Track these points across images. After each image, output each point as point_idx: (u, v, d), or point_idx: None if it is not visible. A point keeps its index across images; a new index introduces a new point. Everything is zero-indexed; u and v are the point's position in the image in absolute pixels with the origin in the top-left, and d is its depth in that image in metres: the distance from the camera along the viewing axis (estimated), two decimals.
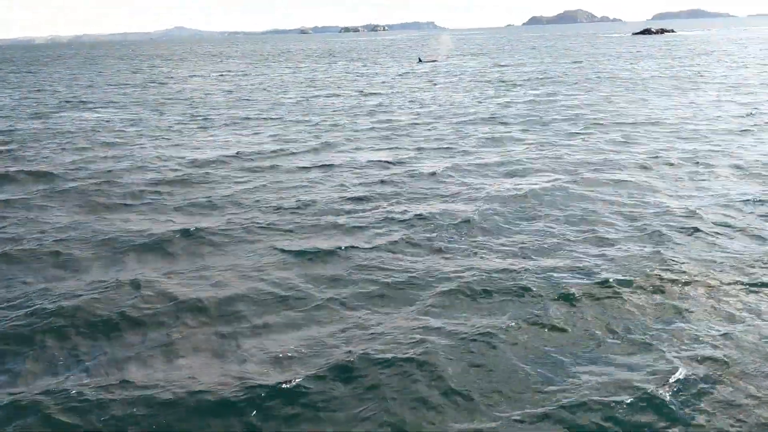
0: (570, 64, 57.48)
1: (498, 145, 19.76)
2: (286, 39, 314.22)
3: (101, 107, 33.49)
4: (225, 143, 21.40)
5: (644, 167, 16.06)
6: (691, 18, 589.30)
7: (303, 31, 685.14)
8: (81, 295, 8.86)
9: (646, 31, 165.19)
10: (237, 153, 19.21)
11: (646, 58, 61.97)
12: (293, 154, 19.28)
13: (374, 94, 37.21)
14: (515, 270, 9.45)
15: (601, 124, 22.93)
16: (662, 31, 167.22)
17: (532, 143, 19.86)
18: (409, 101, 32.67)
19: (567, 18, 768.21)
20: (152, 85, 48.77)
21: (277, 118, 27.54)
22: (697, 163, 16.36)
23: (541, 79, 43.01)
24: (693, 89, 33.01)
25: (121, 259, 10.32)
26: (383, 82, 45.41)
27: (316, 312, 8.34)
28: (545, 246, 10.50)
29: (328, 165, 17.36)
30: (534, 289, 8.72)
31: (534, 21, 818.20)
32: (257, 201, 13.73)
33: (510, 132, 21.92)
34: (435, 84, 42.45)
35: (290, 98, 35.82)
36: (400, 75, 52.26)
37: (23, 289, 9.22)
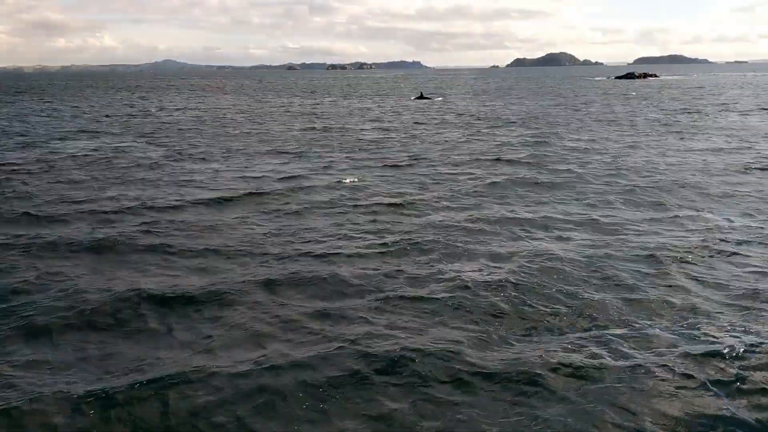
0: (560, 104, 57.43)
1: (504, 190, 18.57)
2: (274, 74, 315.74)
3: (94, 137, 32.49)
4: (225, 179, 20.44)
5: (675, 222, 14.82)
6: (672, 63, 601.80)
7: (291, 68, 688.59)
8: (69, 377, 7.62)
9: (629, 75, 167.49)
10: (239, 190, 18.24)
11: (638, 100, 62.22)
12: (299, 191, 18.36)
13: (373, 129, 36.56)
14: (564, 354, 8.01)
15: (621, 170, 21.55)
16: (645, 75, 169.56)
17: (541, 189, 18.73)
18: (408, 137, 32.03)
19: (550, 61, 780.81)
20: (144, 115, 47.86)
21: (271, 151, 26.74)
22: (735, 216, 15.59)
23: (536, 118, 42.66)
24: (701, 133, 32.64)
25: (121, 326, 8.99)
26: (378, 118, 44.85)
27: (335, 386, 7.26)
28: (591, 318, 9.12)
29: (338, 206, 16.42)
30: (591, 372, 7.46)
31: (518, 63, 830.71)
32: (266, 250, 12.51)
33: (516, 174, 20.97)
34: (432, 120, 41.92)
35: (285, 132, 35.01)
36: (396, 111, 51.79)
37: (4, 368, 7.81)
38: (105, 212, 15.47)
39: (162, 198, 17.25)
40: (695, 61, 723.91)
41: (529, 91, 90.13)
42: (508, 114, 47.88)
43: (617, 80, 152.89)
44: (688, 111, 47.89)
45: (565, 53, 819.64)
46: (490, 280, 10.49)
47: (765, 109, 48.92)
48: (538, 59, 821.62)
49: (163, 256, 12.08)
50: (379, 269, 11.21)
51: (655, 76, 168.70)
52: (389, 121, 42.13)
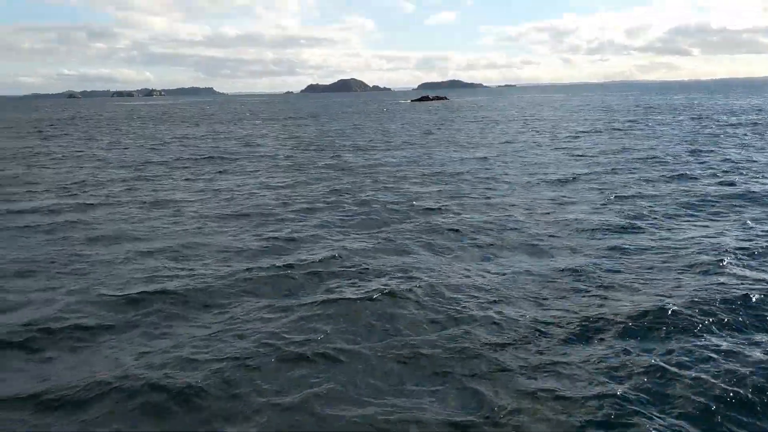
0: (388, 128, 59.35)
1: None
2: (57, 104, 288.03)
3: None
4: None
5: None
6: (452, 88, 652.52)
7: (71, 96, 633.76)
8: None
9: (425, 98, 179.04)
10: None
11: (459, 120, 66.24)
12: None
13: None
14: None
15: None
16: (437, 98, 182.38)
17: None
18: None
19: (342, 86, 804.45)
20: None
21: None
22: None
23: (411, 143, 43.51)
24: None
25: None
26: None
27: None
28: None
29: None
30: None
31: (311, 89, 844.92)
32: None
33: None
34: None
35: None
36: (248, 134, 49.74)
37: None
38: None
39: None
40: (472, 85, 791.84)
41: (360, 114, 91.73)
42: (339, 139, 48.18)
43: (416, 102, 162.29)
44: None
45: (355, 79, 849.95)
46: None
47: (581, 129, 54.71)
48: (330, 85, 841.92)
49: None
50: None
51: (446, 98, 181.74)
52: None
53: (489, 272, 12.91)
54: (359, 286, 12.13)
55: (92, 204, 20.95)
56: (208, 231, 16.90)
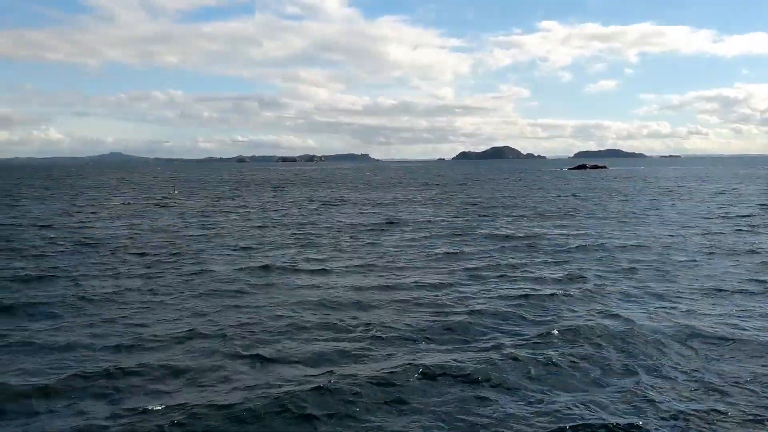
0: (552, 197, 57.22)
1: None
2: (230, 167, 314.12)
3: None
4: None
5: None
6: (610, 157, 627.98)
7: (241, 160, 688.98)
8: None
9: (582, 167, 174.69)
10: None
11: (620, 192, 62.71)
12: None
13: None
14: None
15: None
16: (595, 166, 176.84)
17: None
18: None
19: (494, 154, 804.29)
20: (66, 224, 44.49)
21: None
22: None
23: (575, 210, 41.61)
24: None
25: None
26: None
27: None
28: None
29: None
30: None
31: (463, 156, 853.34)
32: None
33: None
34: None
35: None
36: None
37: None
38: None
39: None
40: (632, 155, 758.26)
41: (515, 181, 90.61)
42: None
43: (573, 170, 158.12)
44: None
45: (508, 147, 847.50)
46: None
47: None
48: (482, 152, 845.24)
49: None
50: None
51: (605, 167, 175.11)
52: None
53: (718, 379, 10.84)
54: (572, 380, 10.62)
55: (268, 266, 21.17)
56: (375, 303, 16.15)
